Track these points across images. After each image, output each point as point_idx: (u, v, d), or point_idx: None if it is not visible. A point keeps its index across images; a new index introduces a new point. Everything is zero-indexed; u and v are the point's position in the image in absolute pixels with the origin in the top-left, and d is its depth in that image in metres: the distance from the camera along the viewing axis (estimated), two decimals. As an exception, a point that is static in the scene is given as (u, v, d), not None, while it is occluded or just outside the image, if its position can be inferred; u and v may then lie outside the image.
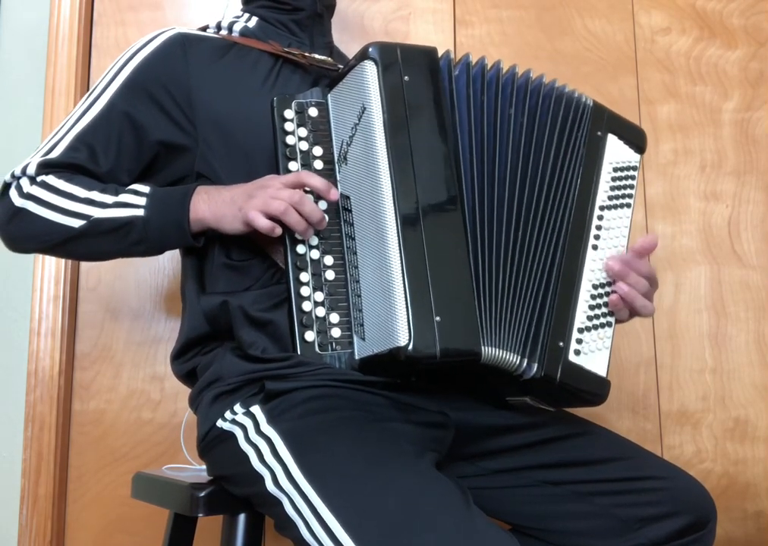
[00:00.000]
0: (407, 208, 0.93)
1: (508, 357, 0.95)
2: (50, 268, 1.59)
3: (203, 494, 0.98)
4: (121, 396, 1.59)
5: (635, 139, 1.14)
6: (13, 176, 1.07)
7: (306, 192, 0.98)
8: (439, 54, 1.02)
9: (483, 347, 0.92)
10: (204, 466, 1.09)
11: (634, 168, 1.12)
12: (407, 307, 0.90)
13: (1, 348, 1.59)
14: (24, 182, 1.05)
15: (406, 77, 0.98)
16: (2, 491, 1.55)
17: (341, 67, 1.10)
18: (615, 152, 1.11)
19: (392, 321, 0.90)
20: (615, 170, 1.10)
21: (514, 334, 0.97)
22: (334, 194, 0.97)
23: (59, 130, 1.09)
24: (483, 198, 0.98)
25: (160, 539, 1.20)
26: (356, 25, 1.75)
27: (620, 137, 1.12)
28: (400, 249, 0.91)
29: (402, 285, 0.90)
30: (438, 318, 0.90)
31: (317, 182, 0.96)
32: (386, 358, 0.92)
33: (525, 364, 0.97)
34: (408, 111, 0.96)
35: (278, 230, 0.96)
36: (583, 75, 1.77)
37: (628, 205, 1.10)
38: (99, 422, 1.59)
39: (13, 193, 1.06)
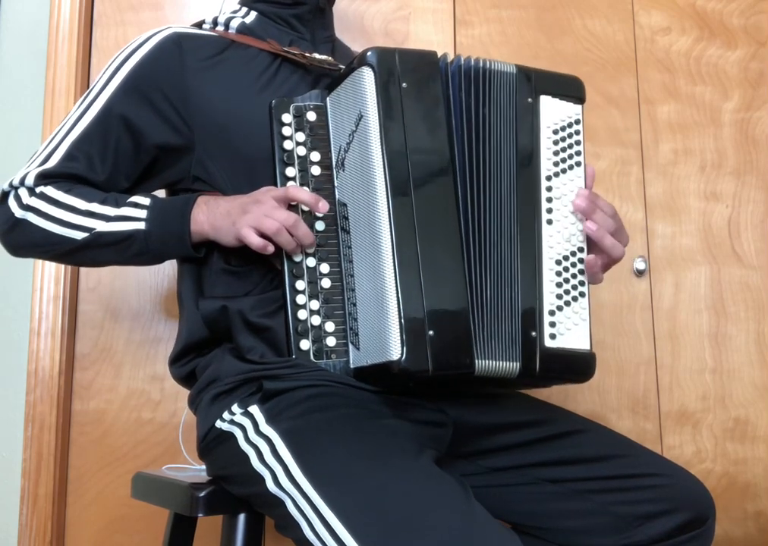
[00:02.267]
0: (403, 219, 0.92)
1: (499, 366, 0.95)
2: (50, 268, 1.59)
3: (203, 494, 0.98)
4: (121, 397, 1.59)
5: (571, 91, 1.07)
6: (11, 185, 1.07)
7: (292, 206, 0.98)
8: (438, 57, 1.00)
9: (476, 360, 0.92)
10: (204, 466, 1.09)
11: (577, 122, 1.06)
12: (400, 320, 0.89)
13: (1, 348, 1.59)
14: (23, 193, 1.05)
15: (404, 84, 0.96)
16: (2, 491, 1.55)
17: (342, 67, 1.09)
18: (552, 112, 1.05)
19: (386, 334, 0.90)
20: (556, 132, 1.05)
21: (502, 341, 0.96)
22: (323, 207, 0.96)
23: (55, 136, 1.08)
24: (476, 210, 0.98)
25: (160, 539, 1.20)
26: (356, 25, 1.75)
27: (554, 95, 1.06)
28: (394, 260, 0.91)
29: (396, 298, 0.90)
30: (431, 333, 0.90)
31: (305, 196, 0.95)
32: (379, 370, 0.92)
33: (506, 366, 0.96)
34: (406, 119, 0.95)
35: (271, 249, 0.96)
36: (583, 75, 1.74)
37: (578, 164, 1.05)
38: (99, 422, 1.59)
39: (12, 203, 1.05)
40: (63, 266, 1.59)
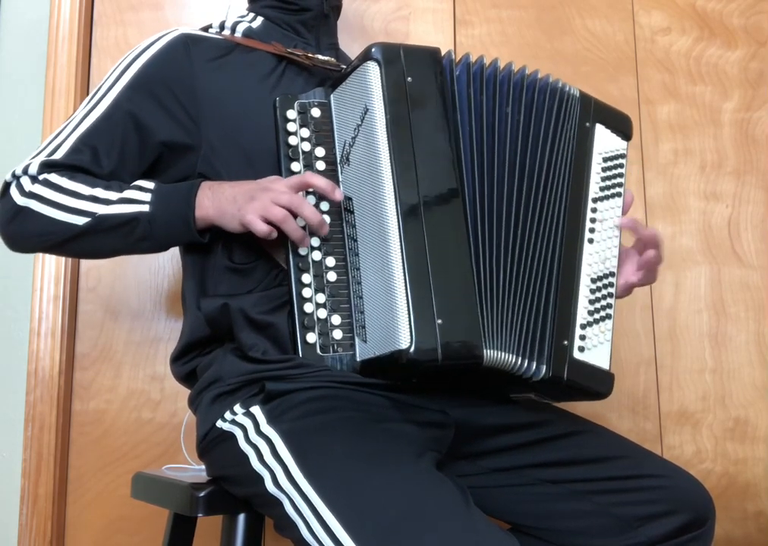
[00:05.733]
0: (409, 210, 0.93)
1: (510, 359, 0.95)
2: (50, 268, 1.59)
3: (202, 494, 0.98)
4: (121, 397, 1.59)
5: (622, 126, 1.14)
6: (13, 175, 1.06)
7: (308, 193, 0.99)
8: (441, 54, 1.02)
9: (485, 350, 0.92)
10: (204, 466, 1.09)
11: (623, 156, 1.12)
12: (408, 310, 0.89)
13: (1, 348, 1.59)
14: (25, 181, 1.05)
15: (409, 79, 0.97)
16: (2, 491, 1.55)
17: (345, 67, 1.10)
18: (604, 141, 1.11)
19: (394, 324, 0.90)
20: (605, 160, 1.10)
21: (516, 336, 0.97)
22: (339, 194, 0.97)
23: (62, 131, 1.09)
24: (484, 200, 0.99)
25: (160, 539, 1.20)
26: (356, 25, 1.75)
27: (607, 126, 1.12)
28: (402, 251, 0.91)
29: (404, 287, 0.90)
30: (440, 321, 0.90)
31: (321, 182, 0.96)
32: (388, 360, 0.91)
33: (531, 366, 0.97)
34: (411, 112, 0.96)
35: (274, 234, 0.96)
36: (583, 75, 1.77)
37: (619, 195, 1.11)
38: (99, 422, 1.59)
39: (14, 192, 1.05)
40: (63, 266, 1.58)
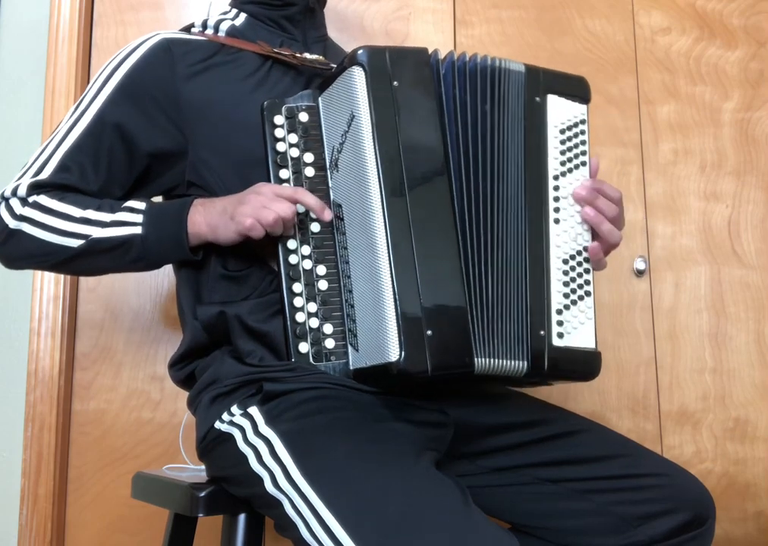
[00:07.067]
0: (398, 219, 0.92)
1: (502, 364, 0.95)
2: (50, 268, 1.59)
3: (203, 494, 0.98)
4: (121, 397, 1.59)
5: (577, 91, 1.08)
6: (2, 197, 1.06)
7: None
8: (429, 54, 0.99)
9: (476, 359, 0.92)
10: (204, 466, 1.09)
11: (583, 122, 1.07)
12: (397, 321, 0.89)
13: (1, 348, 1.59)
14: (15, 203, 1.04)
15: (395, 82, 0.96)
16: (2, 491, 1.55)
17: (334, 66, 1.09)
18: (559, 111, 1.06)
19: (384, 335, 0.90)
20: (562, 131, 1.05)
21: (504, 340, 0.96)
22: (327, 215, 0.96)
23: (47, 146, 1.07)
24: (471, 204, 0.98)
25: (160, 539, 1.20)
26: (356, 25, 1.75)
27: (560, 94, 1.06)
28: (390, 261, 0.91)
29: (393, 298, 0.90)
30: (429, 332, 0.89)
31: (312, 201, 0.96)
32: (378, 371, 0.91)
33: (514, 364, 0.96)
34: (398, 118, 0.95)
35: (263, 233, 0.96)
36: (583, 75, 1.77)
37: (584, 164, 1.05)
38: (99, 422, 1.59)
39: (5, 214, 1.04)
40: (63, 266, 1.58)
